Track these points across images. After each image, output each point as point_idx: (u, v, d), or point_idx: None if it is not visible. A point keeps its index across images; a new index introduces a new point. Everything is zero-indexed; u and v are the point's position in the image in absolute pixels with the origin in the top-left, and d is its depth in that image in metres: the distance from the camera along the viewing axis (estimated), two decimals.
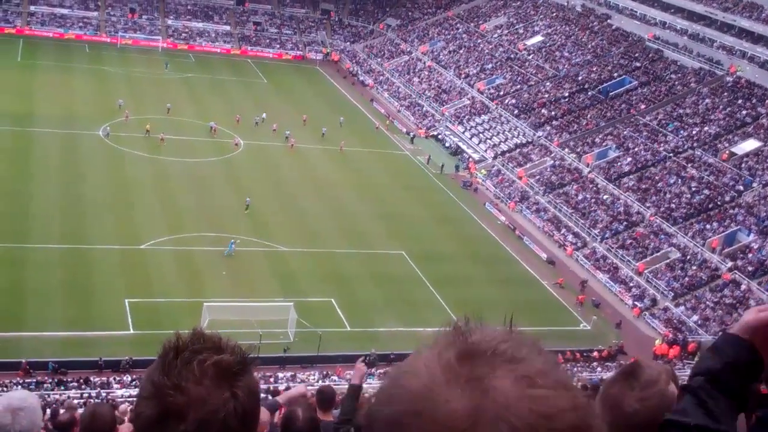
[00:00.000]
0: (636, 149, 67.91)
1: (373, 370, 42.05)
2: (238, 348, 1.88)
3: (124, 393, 35.55)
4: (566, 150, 70.44)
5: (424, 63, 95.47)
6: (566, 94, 79.88)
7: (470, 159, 73.62)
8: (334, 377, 40.02)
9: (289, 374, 39.75)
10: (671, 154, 65.63)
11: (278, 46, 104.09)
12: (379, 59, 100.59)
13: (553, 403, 1.28)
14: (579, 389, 1.35)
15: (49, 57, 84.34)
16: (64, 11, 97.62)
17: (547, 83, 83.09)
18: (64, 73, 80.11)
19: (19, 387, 35.48)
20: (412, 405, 1.32)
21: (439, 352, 1.36)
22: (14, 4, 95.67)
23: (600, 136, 71.27)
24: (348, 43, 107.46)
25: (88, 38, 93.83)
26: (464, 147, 76.33)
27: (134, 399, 30.66)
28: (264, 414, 6.93)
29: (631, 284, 53.10)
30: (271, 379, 38.53)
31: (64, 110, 69.33)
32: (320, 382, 38.26)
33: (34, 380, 36.76)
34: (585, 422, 1.30)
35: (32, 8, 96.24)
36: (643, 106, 73.89)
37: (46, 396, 32.92)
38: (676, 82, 76.14)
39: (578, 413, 1.29)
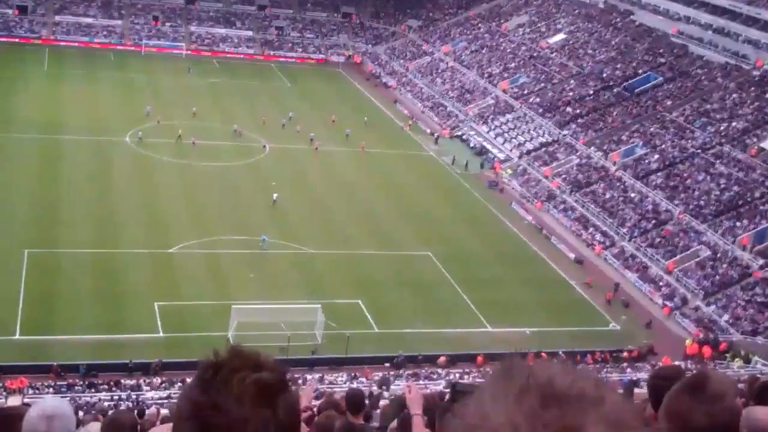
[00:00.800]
0: (663, 146, 67.25)
1: (401, 371, 42.15)
2: (277, 365, 1.81)
3: (153, 395, 35.72)
4: (592, 148, 69.91)
5: (447, 63, 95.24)
6: (591, 92, 79.33)
7: (495, 159, 73.30)
8: (362, 379, 39.98)
9: (317, 376, 39.66)
10: (699, 151, 64.92)
11: (300, 49, 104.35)
12: (401, 61, 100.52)
13: None
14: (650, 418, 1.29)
15: (75, 66, 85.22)
16: (89, 20, 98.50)
17: (572, 81, 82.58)
18: (90, 81, 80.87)
19: (51, 390, 35.86)
20: None
21: (515, 398, 1.23)
22: (39, 14, 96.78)
23: (626, 134, 70.65)
24: (370, 45, 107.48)
25: (113, 47, 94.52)
26: (489, 147, 76.01)
27: (164, 402, 30.86)
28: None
29: (661, 283, 52.51)
30: (300, 381, 38.53)
31: (92, 118, 70.05)
32: (348, 383, 38.29)
33: (66, 383, 37.14)
34: None
35: (57, 18, 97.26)
36: (669, 103, 73.20)
37: (77, 398, 33.13)
38: (703, 78, 75.35)
39: None
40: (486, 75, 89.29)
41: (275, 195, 58.12)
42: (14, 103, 70.70)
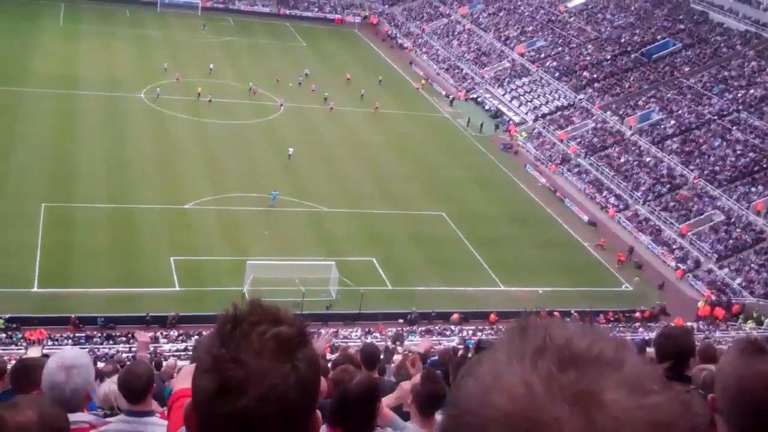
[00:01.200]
0: (680, 112, 66.92)
1: (414, 327, 42.57)
2: (296, 319, 1.79)
3: (171, 347, 36.24)
4: (608, 113, 69.63)
5: (464, 26, 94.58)
6: (608, 57, 78.79)
7: (510, 122, 73.12)
8: (376, 334, 40.40)
9: (332, 330, 39.99)
10: (716, 117, 64.58)
11: (316, 9, 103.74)
12: (417, 22, 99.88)
13: (668, 411, 1.16)
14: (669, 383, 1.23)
15: (90, 21, 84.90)
16: None
17: (589, 46, 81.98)
18: (106, 36, 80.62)
19: (70, 342, 36.39)
20: (511, 429, 1.14)
21: (531, 359, 1.18)
22: None
23: (643, 99, 70.29)
24: (386, 6, 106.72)
25: (129, 2, 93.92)
26: (504, 110, 75.78)
27: (181, 354, 31.32)
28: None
29: (674, 246, 52.62)
30: (315, 336, 38.89)
31: (108, 73, 69.97)
32: (362, 338, 38.69)
33: (84, 334, 37.67)
34: (695, 422, 1.21)
35: None
36: (687, 69, 72.66)
37: (96, 350, 33.63)
38: (722, 45, 74.65)
39: (689, 414, 1.19)
40: (503, 38, 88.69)
41: (291, 149, 58.40)
42: (30, 58, 70.55)
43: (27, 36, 75.62)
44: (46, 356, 7.95)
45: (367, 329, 41.50)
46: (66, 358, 4.40)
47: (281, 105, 69.33)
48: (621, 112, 69.09)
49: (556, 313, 42.82)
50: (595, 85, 74.89)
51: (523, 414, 1.13)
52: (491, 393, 1.17)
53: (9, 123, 56.88)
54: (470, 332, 41.76)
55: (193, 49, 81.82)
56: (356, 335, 40.15)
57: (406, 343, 35.98)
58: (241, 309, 1.76)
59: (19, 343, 36.01)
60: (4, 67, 66.73)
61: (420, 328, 42.52)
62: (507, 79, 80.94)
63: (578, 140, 67.18)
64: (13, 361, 8.50)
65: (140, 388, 5.39)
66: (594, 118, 69.96)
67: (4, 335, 37.14)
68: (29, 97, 62.32)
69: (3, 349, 34.83)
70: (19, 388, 5.11)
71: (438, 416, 5.59)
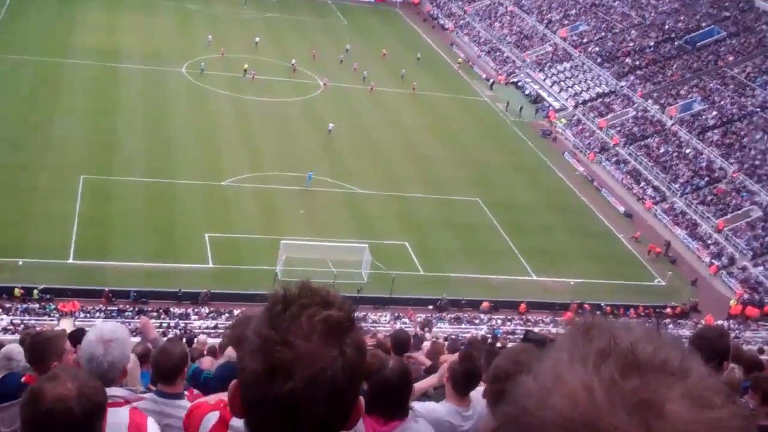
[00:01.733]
0: (722, 103, 65.87)
1: (443, 314, 42.78)
2: (345, 303, 1.78)
3: (201, 324, 36.79)
4: (650, 101, 68.76)
5: (506, 7, 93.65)
6: (652, 44, 77.59)
7: (550, 107, 72.55)
8: (405, 319, 40.65)
9: (361, 314, 40.36)
10: (758, 110, 63.45)
11: None
12: (459, 2, 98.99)
13: (730, 426, 1.12)
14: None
15: None
16: None
17: (633, 31, 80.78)
18: (147, 9, 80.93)
19: (102, 315, 36.97)
20: None
21: (594, 363, 1.15)
22: None
23: (685, 88, 69.26)
24: None
25: None
26: (544, 95, 75.14)
27: (212, 331, 31.82)
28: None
29: (710, 241, 52.11)
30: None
31: (149, 47, 70.41)
32: (391, 323, 38.99)
33: (116, 308, 38.13)
34: None
35: None
36: (731, 58, 71.34)
37: (127, 324, 34.18)
38: (767, 34, 73.22)
39: (750, 428, 1.15)
40: (545, 21, 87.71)
41: (331, 125, 58.74)
42: (72, 30, 70.99)
43: (68, 8, 76.18)
44: (82, 330, 7.53)
45: (396, 314, 41.76)
46: (104, 331, 4.40)
47: (324, 84, 69.29)
48: (662, 101, 68.17)
49: (587, 306, 42.88)
50: (638, 72, 73.87)
51: (582, 419, 1.12)
52: (551, 394, 1.16)
53: (50, 95, 57.62)
54: (499, 321, 41.95)
55: (234, 24, 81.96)
56: (385, 320, 40.47)
57: (434, 329, 36.29)
58: (291, 291, 1.76)
59: (52, 314, 36.73)
60: (45, 39, 67.43)
61: (449, 315, 42.74)
62: (548, 64, 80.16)
63: (618, 128, 66.49)
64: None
65: (170, 368, 5.34)
66: (635, 106, 69.14)
67: (37, 305, 37.76)
68: (70, 69, 62.92)
69: (36, 320, 35.62)
70: (35, 362, 5.14)
71: (472, 395, 5.69)
